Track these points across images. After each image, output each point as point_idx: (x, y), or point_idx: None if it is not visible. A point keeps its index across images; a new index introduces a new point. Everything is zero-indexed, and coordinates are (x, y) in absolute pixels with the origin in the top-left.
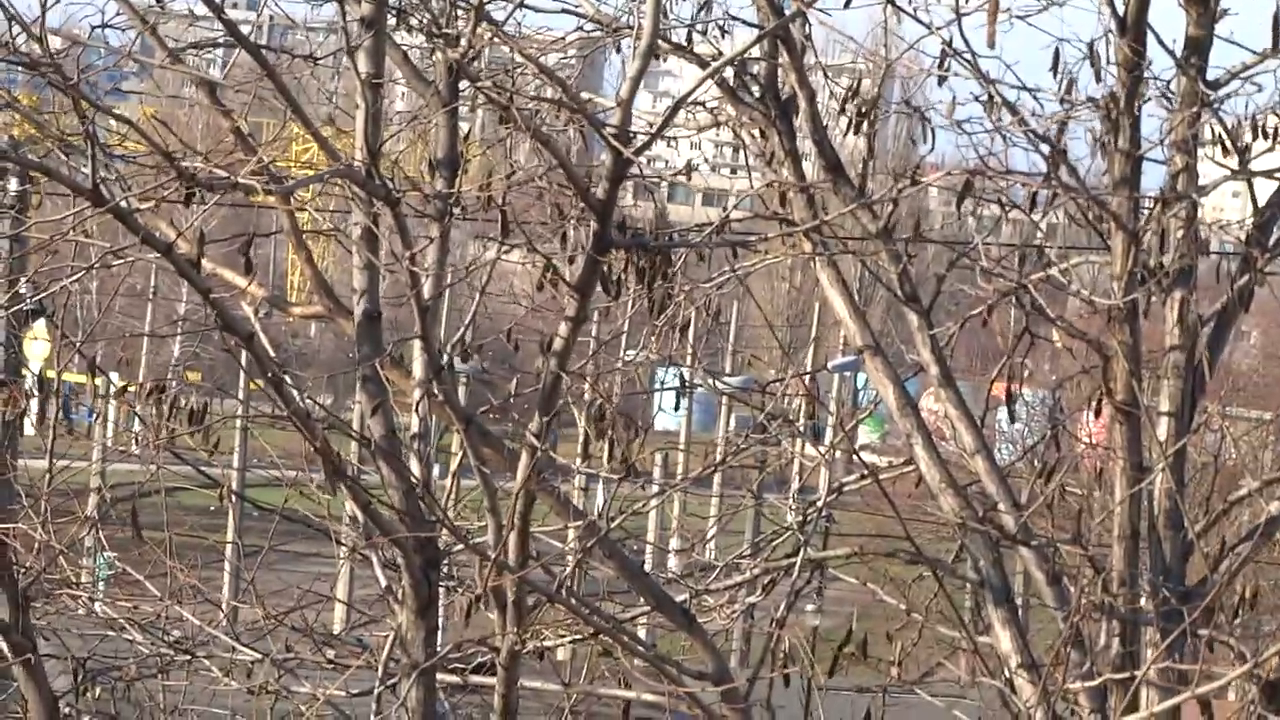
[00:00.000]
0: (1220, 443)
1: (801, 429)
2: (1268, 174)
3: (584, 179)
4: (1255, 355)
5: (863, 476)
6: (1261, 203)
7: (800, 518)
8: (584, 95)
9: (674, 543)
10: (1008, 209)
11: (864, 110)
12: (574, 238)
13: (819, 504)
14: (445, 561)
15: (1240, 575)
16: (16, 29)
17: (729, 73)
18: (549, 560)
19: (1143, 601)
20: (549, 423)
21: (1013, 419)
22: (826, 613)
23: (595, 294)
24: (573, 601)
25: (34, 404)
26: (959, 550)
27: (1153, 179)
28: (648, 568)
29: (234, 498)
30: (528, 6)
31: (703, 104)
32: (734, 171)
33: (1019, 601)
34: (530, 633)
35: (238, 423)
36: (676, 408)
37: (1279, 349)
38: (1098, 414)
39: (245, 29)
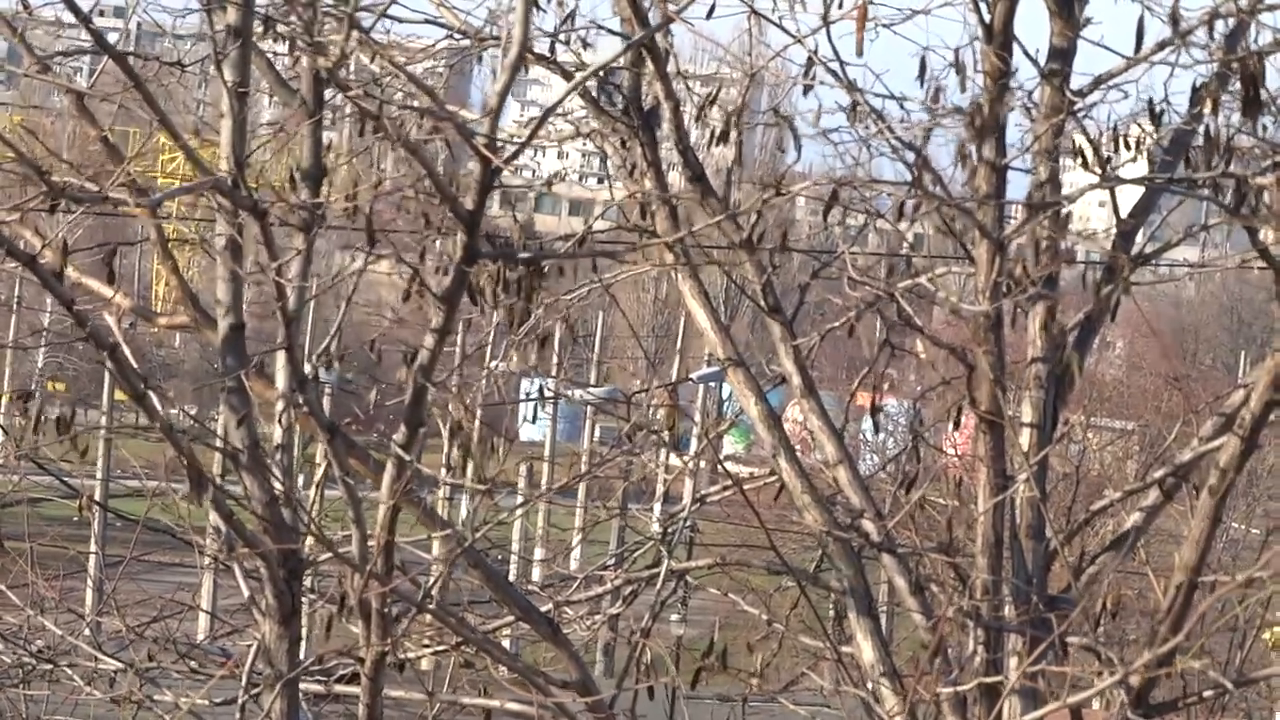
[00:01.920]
0: (1082, 453)
1: (665, 439)
2: (1130, 181)
3: (451, 189)
4: (1120, 366)
5: (726, 487)
6: (1126, 211)
7: (663, 528)
8: (451, 107)
9: (538, 553)
10: (874, 218)
11: (729, 119)
12: (441, 248)
13: (682, 514)
14: (308, 572)
15: (1103, 584)
16: None
17: (592, 83)
18: (415, 572)
19: (1006, 610)
20: (415, 434)
21: (877, 429)
22: (690, 623)
23: (463, 305)
24: (438, 611)
25: None
26: (821, 560)
27: (1018, 188)
28: (512, 578)
29: (97, 508)
30: (392, 17)
31: (566, 115)
32: (600, 181)
33: (882, 611)
34: (394, 644)
35: (101, 433)
36: (534, 419)
37: (1144, 360)
38: (957, 425)
39: (112, 37)
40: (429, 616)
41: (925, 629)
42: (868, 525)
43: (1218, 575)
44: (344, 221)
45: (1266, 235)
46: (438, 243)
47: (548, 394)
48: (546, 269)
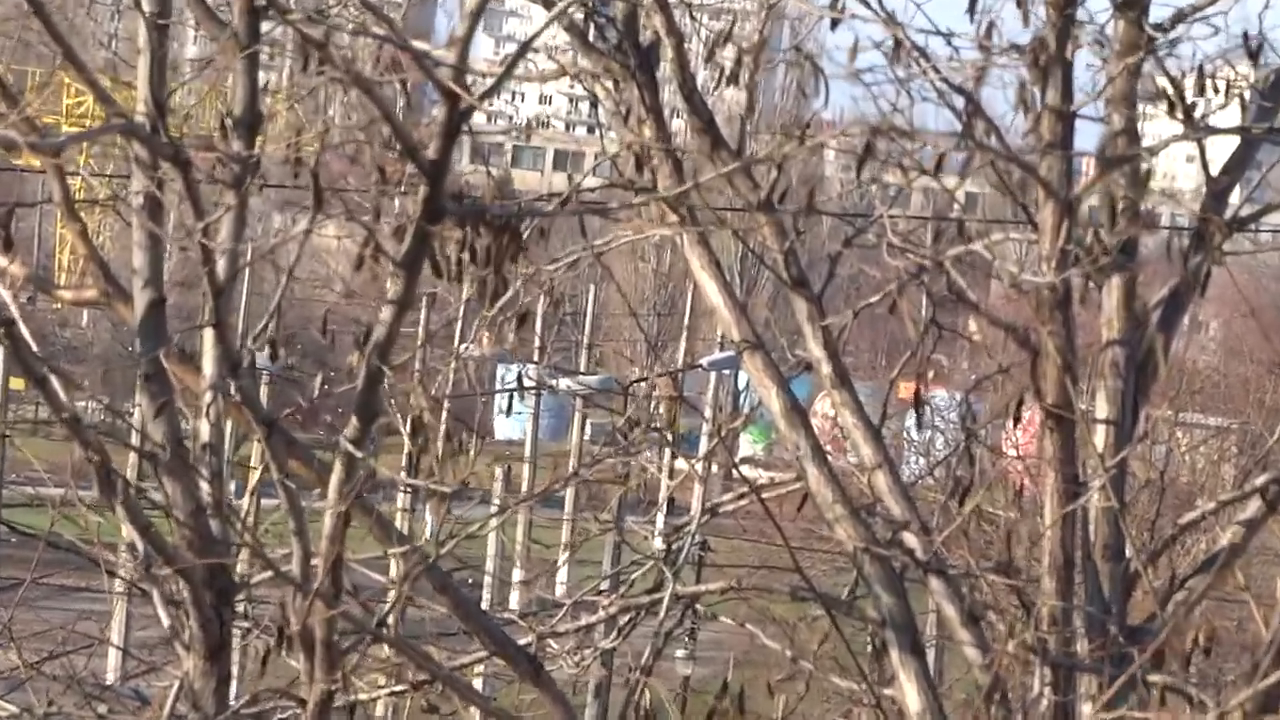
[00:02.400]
0: (1169, 456)
1: (667, 438)
2: (1223, 131)
3: (412, 135)
4: (1214, 351)
5: (742, 495)
6: (1218, 167)
7: (667, 545)
8: (414, 43)
9: (517, 574)
10: (917, 175)
11: (743, 58)
12: (400, 207)
13: (689, 528)
14: (241, 596)
15: (1194, 613)
16: None
17: (579, 13)
18: (369, 596)
19: (1078, 644)
20: (368, 428)
21: (920, 425)
22: (699, 659)
23: (427, 277)
24: (396, 642)
25: None
26: (856, 584)
27: (1087, 139)
28: (486, 604)
29: None
30: None
31: (549, 50)
32: (591, 130)
33: (929, 646)
34: (343, 681)
35: None
36: (509, 412)
37: (1242, 343)
38: (1016, 421)
39: None
40: (385, 649)
41: (981, 667)
42: (912, 541)
43: None
44: (284, 176)
45: None
46: (396, 201)
47: (528, 383)
48: (526, 232)
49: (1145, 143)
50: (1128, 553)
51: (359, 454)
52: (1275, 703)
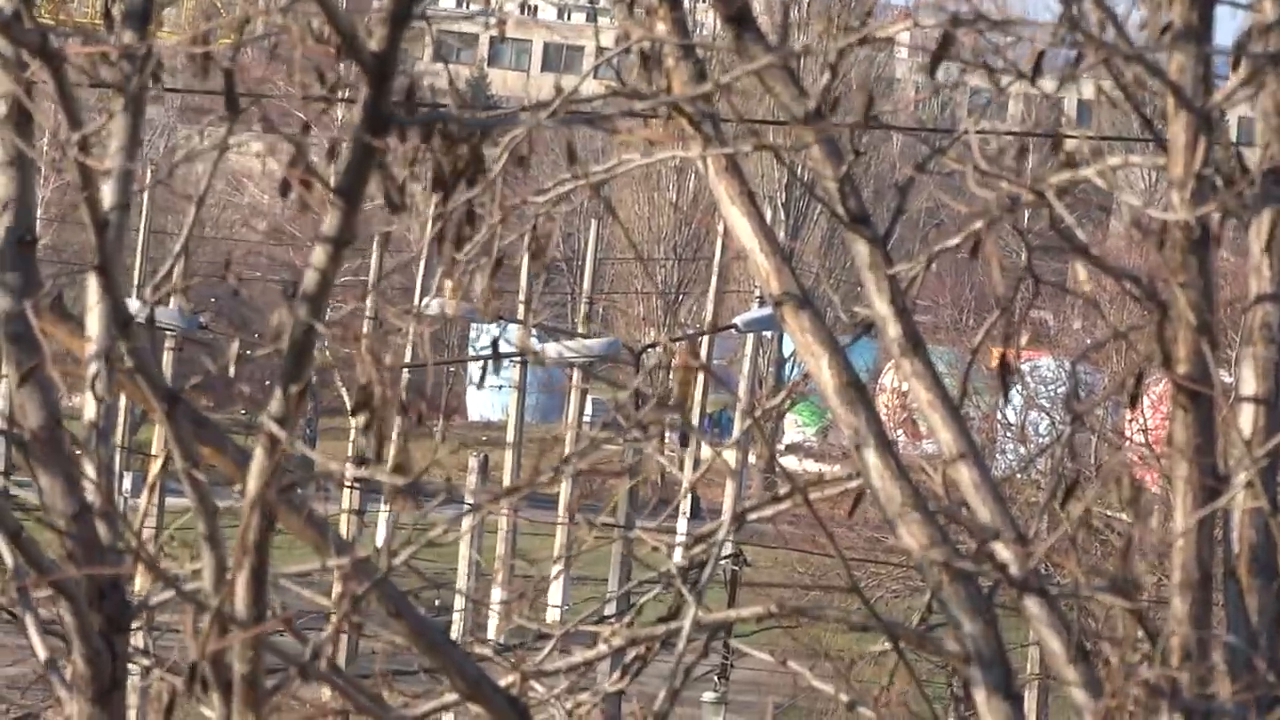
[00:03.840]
0: None
1: (687, 420)
2: None
3: (350, 19)
4: None
5: (784, 495)
6: None
7: (688, 559)
8: None
9: (496, 594)
10: (1011, 79)
11: None
12: (342, 119)
13: (717, 536)
14: (138, 623)
15: None
16: None
17: None
18: (304, 621)
19: (1218, 684)
20: (298, 403)
21: (1007, 400)
22: (732, 705)
23: (379, 212)
24: (338, 681)
25: None
26: (930, 609)
27: (1230, 32)
28: (456, 633)
29: None
30: None
31: None
32: (590, 20)
33: (1028, 684)
34: None
35: None
36: (480, 384)
37: None
38: (1134, 400)
39: None
40: (325, 689)
41: (1092, 713)
42: (1004, 553)
43: None
44: (190, 78)
45: None
46: (339, 113)
47: (507, 348)
48: (504, 152)
49: None
50: None
51: (284, 434)
52: None
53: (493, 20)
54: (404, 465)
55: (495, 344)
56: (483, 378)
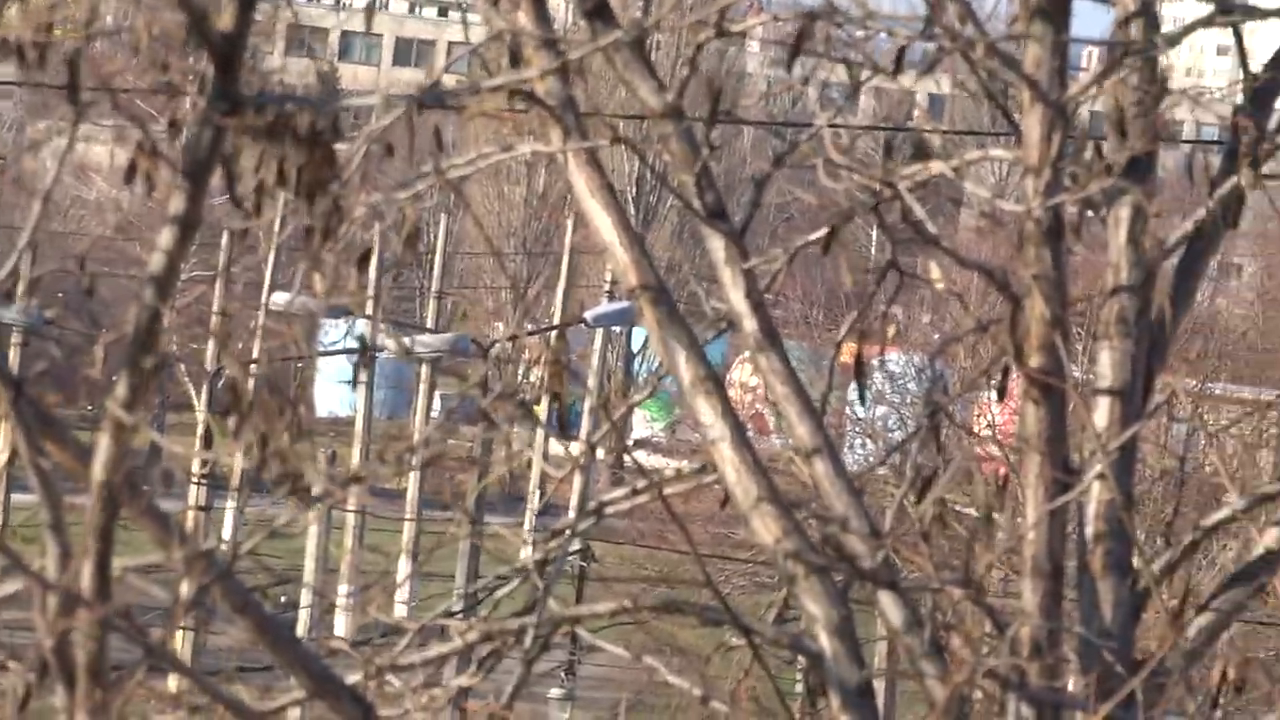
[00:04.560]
0: (1191, 437)
1: (542, 414)
2: (1270, 11)
3: (201, 3)
4: (1250, 303)
5: (638, 490)
6: (1260, 62)
7: (541, 554)
8: None
9: (344, 589)
10: (869, 75)
11: None
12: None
13: (569, 531)
14: None
15: (1220, 640)
16: None
17: None
18: (150, 617)
19: (1068, 678)
20: (144, 388)
21: (863, 400)
22: (582, 702)
23: (229, 208)
24: (186, 668)
25: None
26: (787, 604)
27: (1089, 24)
28: (304, 630)
29: None
30: None
31: None
32: (444, 13)
33: (880, 680)
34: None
35: None
36: (354, 384)
37: None
38: (1002, 394)
39: None
40: (172, 682)
41: (943, 707)
42: (857, 546)
43: None
44: (28, 70)
45: None
46: (189, 104)
47: (355, 343)
48: (362, 148)
49: (1164, 28)
50: (1135, 562)
51: (129, 420)
52: None
53: (343, 14)
54: (286, 459)
55: (363, 341)
56: (356, 377)
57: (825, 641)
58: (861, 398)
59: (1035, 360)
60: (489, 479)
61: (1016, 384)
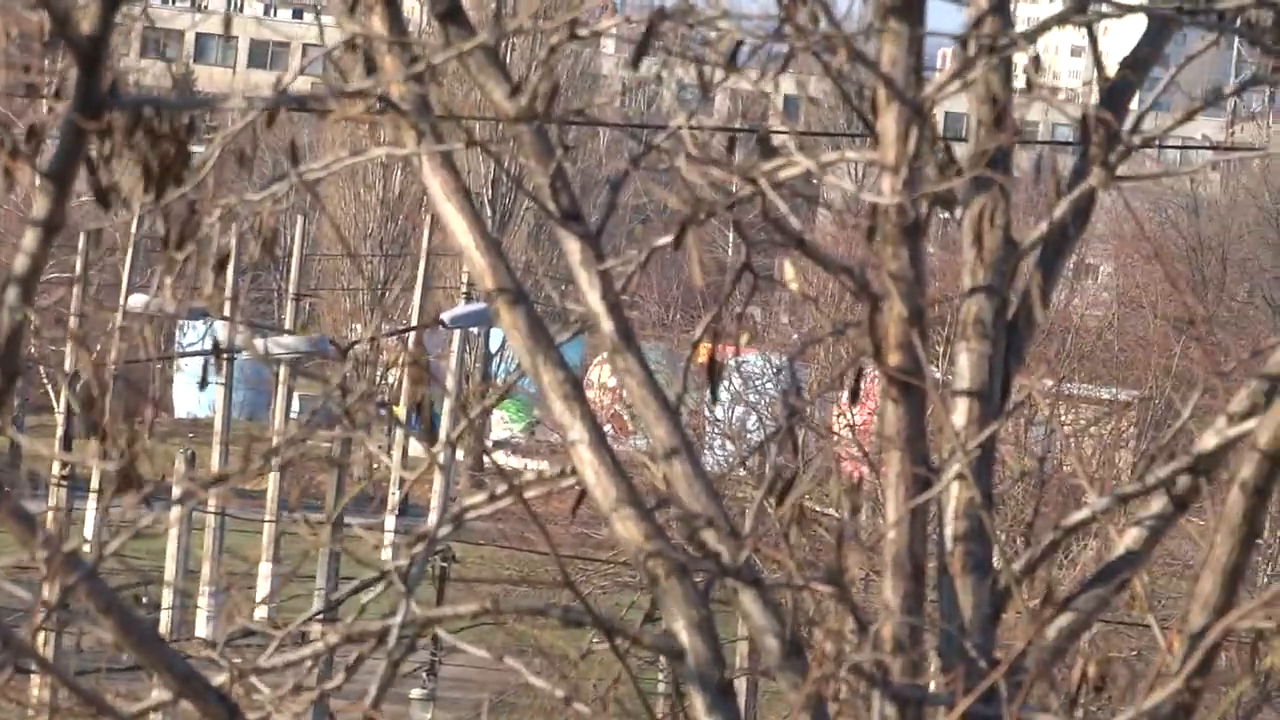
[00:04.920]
0: (1050, 437)
1: (402, 416)
2: (1122, 9)
3: (65, 4)
4: (1107, 303)
5: (499, 494)
6: (1116, 61)
7: (403, 558)
8: None
9: (207, 592)
10: (724, 77)
11: None
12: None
13: (430, 533)
14: None
15: (1080, 639)
16: None
17: None
18: (14, 620)
19: (929, 675)
20: (7, 389)
21: (715, 399)
22: (444, 703)
23: (91, 210)
24: (52, 667)
25: None
26: (653, 607)
27: (945, 20)
28: (167, 630)
29: None
30: None
31: None
32: (299, 16)
33: (743, 679)
34: None
35: None
36: (203, 384)
37: (1143, 293)
38: (855, 397)
39: None
40: (38, 682)
41: (805, 702)
42: (718, 544)
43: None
44: None
45: None
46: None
47: (211, 345)
48: (218, 149)
49: (1019, 27)
50: (995, 562)
51: None
52: None
53: (199, 16)
54: (134, 458)
55: (216, 343)
56: (205, 377)
57: (687, 641)
58: (714, 397)
59: (894, 359)
60: (354, 489)
61: (872, 385)
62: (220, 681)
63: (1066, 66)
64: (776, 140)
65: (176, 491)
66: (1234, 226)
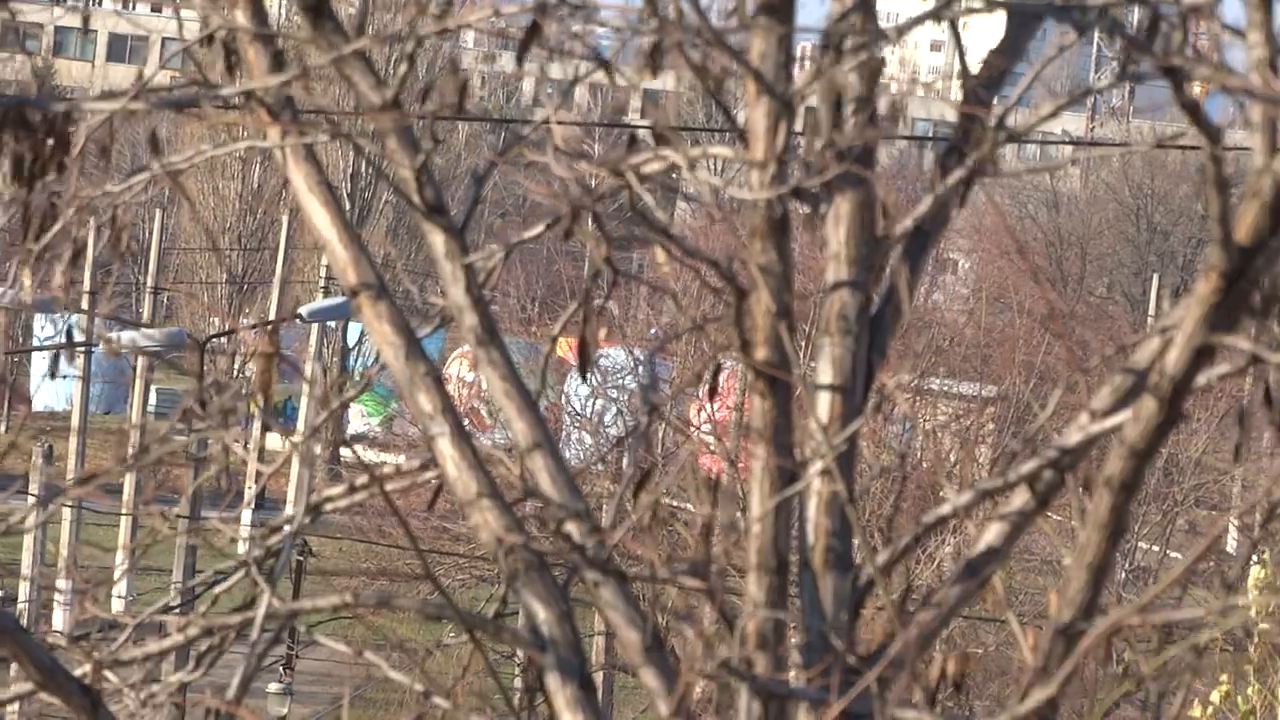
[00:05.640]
0: (910, 432)
1: (261, 407)
2: (985, 5)
3: None
4: (966, 298)
5: (358, 487)
6: (979, 57)
7: (265, 548)
8: None
9: (63, 584)
10: (591, 70)
11: None
12: None
13: (288, 526)
14: None
15: (941, 634)
16: None
17: None
18: None
19: (792, 671)
20: None
21: (584, 378)
22: (302, 697)
23: None
24: None
25: None
26: (506, 599)
27: (813, 13)
28: (27, 622)
29: None
30: None
31: None
32: (159, 10)
33: (602, 674)
34: None
35: None
36: (53, 374)
37: (1003, 289)
38: (712, 392)
39: None
40: None
41: (666, 697)
42: (579, 537)
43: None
44: None
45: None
46: None
47: (78, 336)
48: (82, 140)
49: (883, 23)
50: (856, 556)
51: None
52: None
53: (58, 10)
54: None
55: (70, 334)
56: (54, 368)
57: (548, 634)
58: (584, 377)
59: (761, 353)
60: (201, 478)
61: (729, 382)
62: (82, 673)
63: (927, 62)
64: (638, 135)
65: (35, 486)
66: (1094, 222)
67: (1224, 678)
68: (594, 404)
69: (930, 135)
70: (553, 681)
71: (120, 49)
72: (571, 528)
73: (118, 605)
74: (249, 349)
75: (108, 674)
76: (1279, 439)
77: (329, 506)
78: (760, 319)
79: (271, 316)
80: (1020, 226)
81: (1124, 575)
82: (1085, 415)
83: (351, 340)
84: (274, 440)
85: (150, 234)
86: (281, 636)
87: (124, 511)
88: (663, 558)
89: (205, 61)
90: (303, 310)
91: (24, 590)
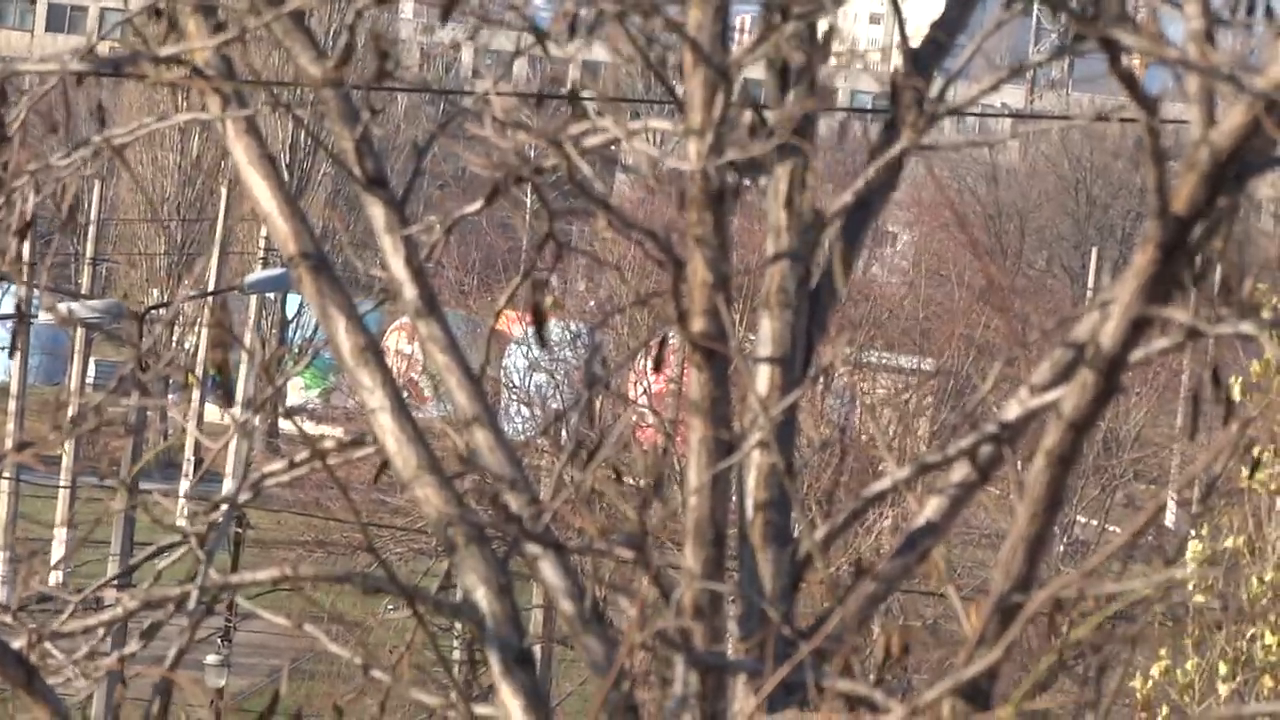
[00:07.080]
0: (850, 405)
1: (206, 381)
2: None
3: None
4: (906, 271)
5: (297, 461)
6: (920, 29)
7: (202, 524)
8: None
9: (1, 557)
10: (533, 43)
11: None
12: None
13: (228, 499)
14: None
15: (880, 608)
16: None
17: None
18: None
19: (730, 643)
20: None
21: (543, 344)
22: (240, 669)
23: None
24: None
25: None
26: (448, 574)
27: None
28: None
29: None
30: None
31: None
32: None
33: (541, 647)
34: None
35: None
36: (11, 351)
37: (942, 262)
38: (658, 365)
39: None
40: None
41: (604, 668)
42: (517, 508)
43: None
44: None
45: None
46: None
47: (10, 309)
48: (20, 113)
49: None
50: (795, 529)
51: None
52: (980, 697)
53: None
54: None
55: (19, 306)
56: (13, 345)
57: (486, 608)
58: (542, 343)
59: (698, 325)
60: (150, 452)
61: (672, 354)
62: (18, 645)
63: (865, 34)
64: (577, 104)
65: None
66: (1033, 195)
67: (1163, 652)
68: (532, 378)
69: (869, 108)
70: (492, 653)
71: (59, 19)
72: (510, 499)
73: (55, 577)
74: (187, 320)
75: (48, 646)
76: (1227, 417)
77: (270, 483)
78: (697, 290)
79: (211, 287)
80: (959, 199)
81: (1062, 549)
82: (1025, 390)
83: (291, 312)
84: (212, 411)
85: (89, 205)
86: (218, 609)
87: (62, 484)
88: (600, 529)
89: (147, 33)
90: (244, 280)
91: None
